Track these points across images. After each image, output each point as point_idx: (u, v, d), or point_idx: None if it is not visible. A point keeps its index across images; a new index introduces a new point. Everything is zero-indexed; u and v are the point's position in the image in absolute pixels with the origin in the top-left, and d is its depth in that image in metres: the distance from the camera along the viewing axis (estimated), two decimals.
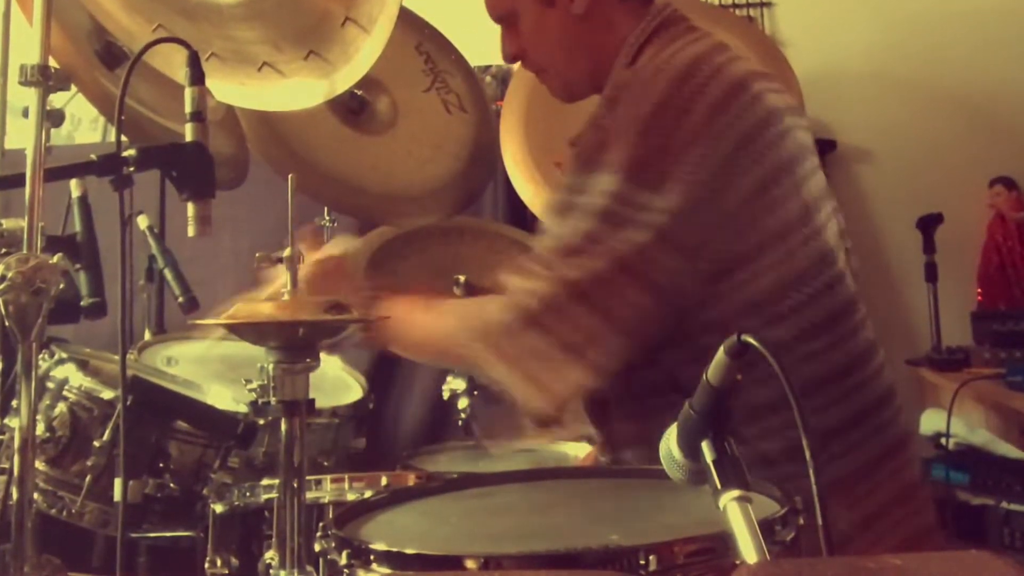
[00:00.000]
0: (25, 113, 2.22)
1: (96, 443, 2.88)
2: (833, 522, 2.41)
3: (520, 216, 4.11)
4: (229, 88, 2.78)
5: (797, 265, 2.42)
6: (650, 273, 2.33)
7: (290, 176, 2.26)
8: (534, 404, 2.31)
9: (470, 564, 1.71)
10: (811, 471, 1.54)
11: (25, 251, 2.08)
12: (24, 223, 2.11)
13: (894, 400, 2.60)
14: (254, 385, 2.21)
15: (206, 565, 2.61)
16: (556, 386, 2.31)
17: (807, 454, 1.55)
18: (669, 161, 2.32)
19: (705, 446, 1.62)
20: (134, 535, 2.96)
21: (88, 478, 2.88)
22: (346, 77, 3.02)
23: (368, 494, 2.39)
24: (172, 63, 2.47)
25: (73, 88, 2.68)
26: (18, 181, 2.13)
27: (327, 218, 3.96)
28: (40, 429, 2.88)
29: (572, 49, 2.63)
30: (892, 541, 2.52)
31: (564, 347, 2.30)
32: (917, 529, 2.60)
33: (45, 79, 2.19)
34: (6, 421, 2.77)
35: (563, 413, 2.36)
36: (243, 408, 2.99)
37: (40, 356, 2.86)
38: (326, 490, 2.55)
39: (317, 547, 1.95)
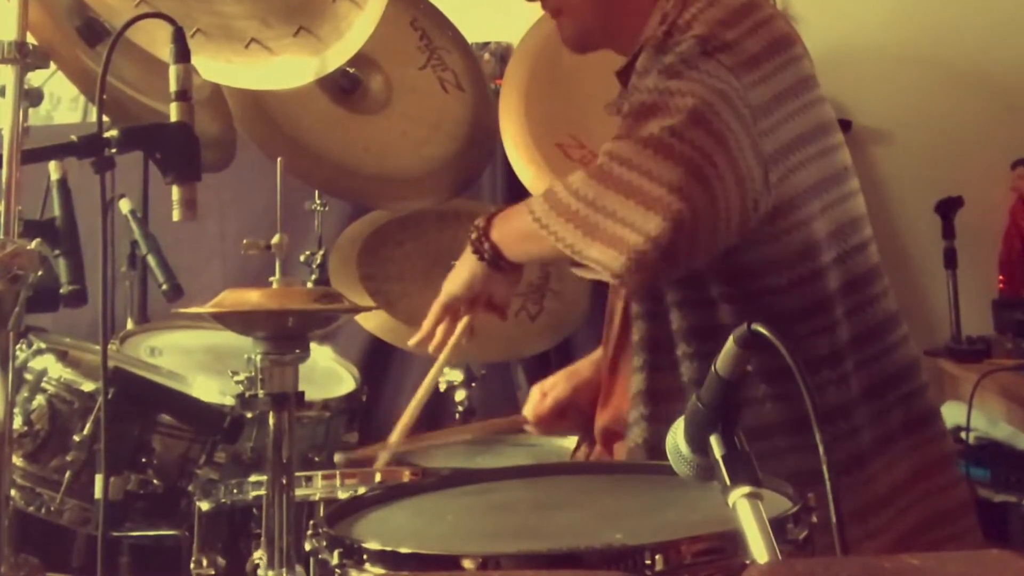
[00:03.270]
0: (2, 92, 2.23)
1: (76, 437, 2.89)
2: (848, 494, 2.46)
3: (520, 200, 4.10)
4: (215, 66, 2.79)
5: (835, 220, 2.55)
6: (728, 122, 2.32)
7: (279, 159, 2.26)
8: (612, 264, 2.26)
9: (467, 564, 1.71)
10: (824, 468, 1.54)
11: (2, 236, 2.08)
12: (1, 207, 2.12)
13: (917, 374, 2.67)
14: (241, 377, 2.21)
15: (191, 565, 2.61)
16: (630, 238, 2.23)
17: (820, 450, 1.55)
18: (742, 56, 2.41)
19: (714, 440, 1.62)
20: (116, 534, 2.96)
21: (68, 474, 2.88)
22: (338, 54, 3.02)
23: (361, 491, 2.39)
24: (156, 40, 2.48)
25: (52, 66, 2.68)
26: None
27: (318, 202, 3.95)
28: (17, 423, 2.88)
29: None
30: (914, 518, 2.58)
31: (632, 193, 2.24)
32: (944, 507, 2.65)
33: (23, 56, 2.19)
34: None
35: (644, 267, 2.25)
36: (230, 401, 2.99)
37: (17, 346, 2.86)
38: (317, 486, 2.55)
39: (307, 546, 1.95)
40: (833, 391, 2.49)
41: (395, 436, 2.83)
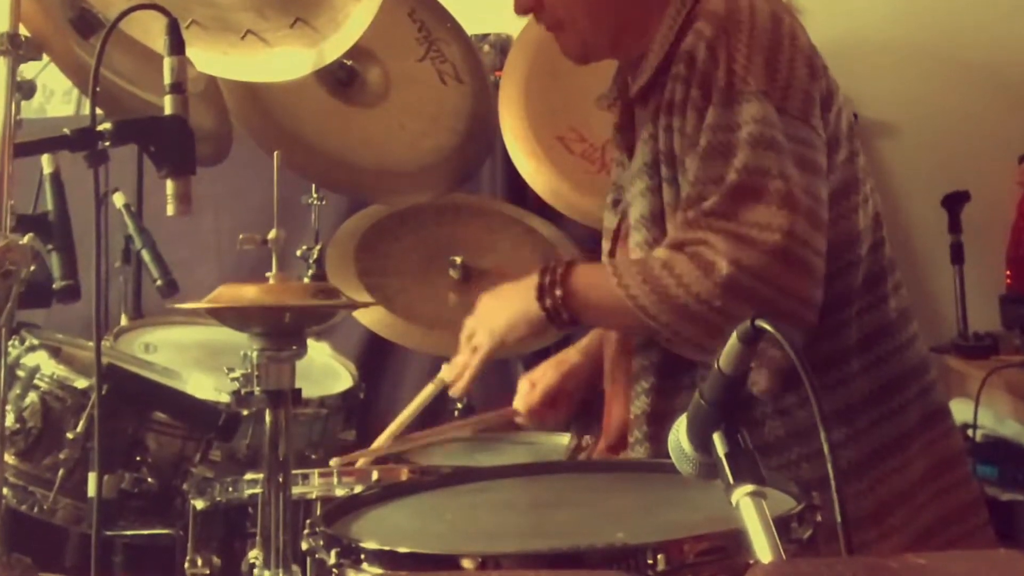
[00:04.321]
0: None
1: (69, 435, 2.88)
2: (864, 496, 2.46)
3: (520, 193, 4.10)
4: (211, 58, 2.79)
5: (860, 221, 2.56)
6: (822, 214, 2.39)
7: (275, 152, 2.26)
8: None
9: (467, 564, 1.71)
10: (830, 467, 1.53)
11: None
12: None
13: (929, 370, 2.69)
14: (237, 374, 2.21)
15: (186, 565, 2.61)
16: (767, 350, 2.29)
17: (826, 448, 1.54)
18: (801, 95, 2.44)
19: (717, 438, 1.62)
20: (109, 533, 2.96)
21: (61, 472, 2.88)
22: (335, 46, 3.02)
23: (358, 489, 2.39)
24: (150, 31, 2.48)
25: (45, 58, 2.68)
26: None
27: (315, 196, 3.95)
28: (10, 420, 2.88)
29: (600, 8, 2.63)
30: (929, 516, 2.59)
31: (766, 306, 2.29)
32: (958, 504, 2.66)
33: (15, 48, 2.19)
34: None
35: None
36: (225, 398, 2.99)
37: (10, 343, 2.86)
38: (313, 485, 2.55)
39: (304, 545, 1.95)
40: (842, 392, 2.50)
41: (380, 441, 2.85)
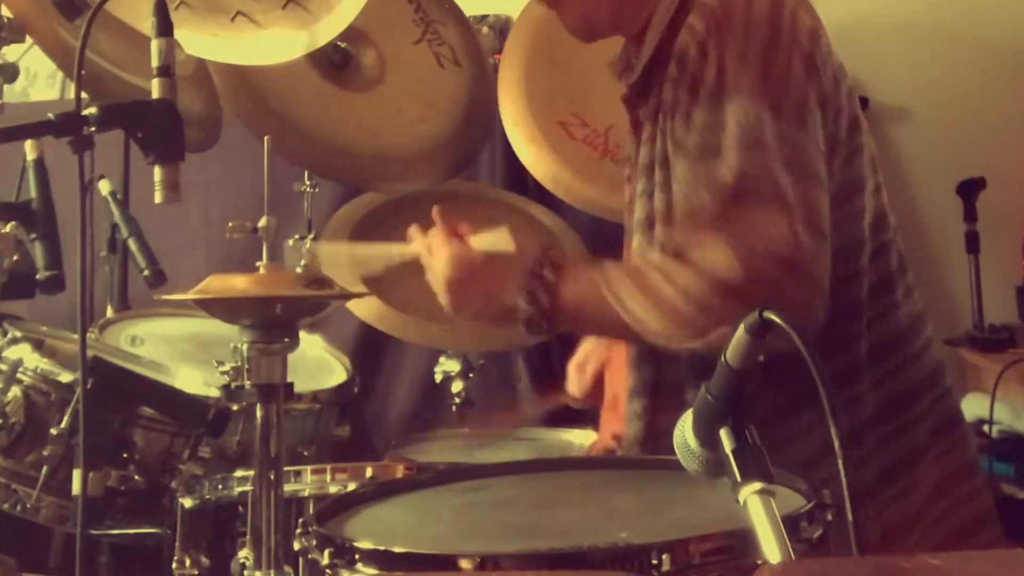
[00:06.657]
0: None
1: (53, 431, 2.88)
2: (872, 521, 2.44)
3: (520, 181, 4.10)
4: (200, 40, 2.78)
5: (864, 226, 2.53)
6: (820, 224, 2.34)
7: (266, 138, 2.26)
8: None
9: (465, 564, 1.72)
10: (839, 461, 1.53)
11: None
12: None
13: (943, 379, 2.65)
14: (227, 367, 2.22)
15: (174, 565, 2.62)
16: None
17: (836, 444, 1.54)
18: (796, 97, 2.39)
19: (724, 434, 1.62)
20: (95, 532, 2.96)
21: (44, 469, 2.88)
22: (328, 28, 3.02)
23: (352, 487, 2.39)
24: (137, 12, 2.47)
25: (28, 40, 2.68)
26: None
27: (307, 183, 3.95)
28: None
29: None
30: (941, 534, 2.56)
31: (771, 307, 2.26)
32: (970, 518, 2.64)
33: None
34: None
35: None
36: (215, 392, 2.99)
37: None
38: (306, 482, 2.56)
39: (296, 545, 1.95)
40: (853, 412, 2.47)
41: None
